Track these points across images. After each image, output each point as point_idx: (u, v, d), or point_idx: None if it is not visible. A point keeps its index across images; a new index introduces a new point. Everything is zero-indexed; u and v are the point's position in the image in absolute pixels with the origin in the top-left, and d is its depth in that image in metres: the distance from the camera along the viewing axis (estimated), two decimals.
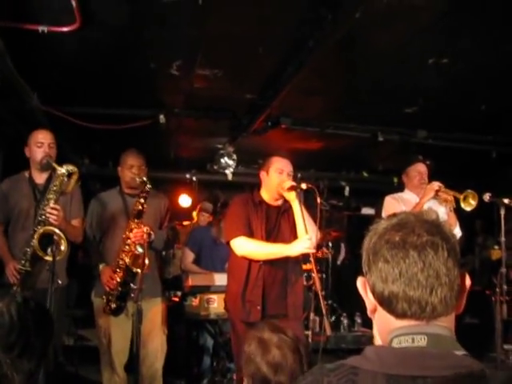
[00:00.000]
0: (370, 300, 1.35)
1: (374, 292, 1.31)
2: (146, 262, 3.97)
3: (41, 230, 3.88)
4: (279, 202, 4.17)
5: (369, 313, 1.38)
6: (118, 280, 4.05)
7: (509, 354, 5.62)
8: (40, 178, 4.19)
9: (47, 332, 1.98)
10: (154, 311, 4.36)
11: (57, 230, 3.81)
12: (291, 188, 3.95)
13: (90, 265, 4.48)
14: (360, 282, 1.38)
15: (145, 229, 3.93)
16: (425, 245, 1.25)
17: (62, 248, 3.83)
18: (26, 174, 4.25)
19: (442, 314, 1.25)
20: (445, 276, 1.24)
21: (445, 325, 1.26)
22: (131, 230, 4.02)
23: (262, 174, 4.19)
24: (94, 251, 4.46)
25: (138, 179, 4.18)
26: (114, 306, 4.07)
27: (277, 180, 4.06)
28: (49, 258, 3.73)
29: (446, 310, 1.25)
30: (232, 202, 4.32)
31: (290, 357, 2.12)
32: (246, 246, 3.97)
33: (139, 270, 3.87)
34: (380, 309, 1.32)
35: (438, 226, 1.30)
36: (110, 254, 4.22)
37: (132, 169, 4.36)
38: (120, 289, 4.06)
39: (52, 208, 3.83)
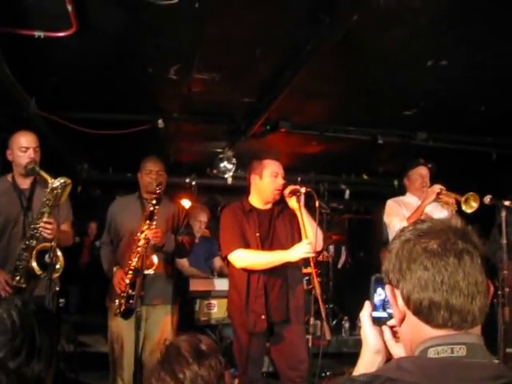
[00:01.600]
0: (399, 309, 1.33)
1: (408, 300, 1.28)
2: (155, 261, 3.96)
3: (37, 246, 3.80)
4: (270, 206, 4.14)
5: (396, 322, 1.36)
6: (127, 282, 4.01)
7: None
8: (24, 183, 4.07)
9: (52, 331, 1.95)
10: (166, 319, 4.35)
11: (55, 247, 3.72)
12: (292, 192, 3.93)
13: (104, 270, 4.46)
14: (388, 291, 1.35)
15: (145, 233, 3.91)
16: (462, 252, 1.24)
17: (58, 266, 3.77)
18: (9, 178, 4.11)
19: (479, 322, 1.24)
20: (481, 284, 1.24)
21: (478, 333, 1.25)
22: (142, 232, 3.99)
23: (254, 178, 4.13)
24: (108, 256, 4.45)
25: (154, 184, 4.18)
26: (123, 308, 4.02)
27: (272, 184, 4.03)
28: (45, 277, 3.68)
29: (482, 318, 1.24)
30: (223, 214, 4.26)
31: None
32: (244, 259, 3.93)
33: (150, 271, 3.86)
34: (411, 318, 1.30)
35: (468, 234, 1.29)
36: (126, 258, 4.17)
37: (150, 174, 4.37)
38: (130, 291, 4.00)
39: (46, 222, 3.77)
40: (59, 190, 3.79)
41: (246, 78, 4.67)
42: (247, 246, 3.97)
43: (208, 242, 6.50)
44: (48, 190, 3.80)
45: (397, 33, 3.74)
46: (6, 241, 4.01)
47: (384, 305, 1.65)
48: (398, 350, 1.60)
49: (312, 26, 3.49)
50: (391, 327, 1.62)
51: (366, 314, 1.64)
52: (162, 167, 4.47)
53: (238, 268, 3.98)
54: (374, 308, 1.65)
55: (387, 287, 1.36)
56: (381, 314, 1.64)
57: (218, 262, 6.28)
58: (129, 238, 4.26)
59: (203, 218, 6.40)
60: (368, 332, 1.61)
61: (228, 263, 4.17)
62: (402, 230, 1.36)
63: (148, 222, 3.98)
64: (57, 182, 3.77)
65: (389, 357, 1.61)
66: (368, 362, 1.59)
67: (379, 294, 1.66)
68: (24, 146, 3.96)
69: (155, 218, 4.00)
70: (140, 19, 3.61)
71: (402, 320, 1.33)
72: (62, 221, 4.13)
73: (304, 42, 3.68)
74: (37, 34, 3.62)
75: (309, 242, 3.73)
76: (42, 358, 1.84)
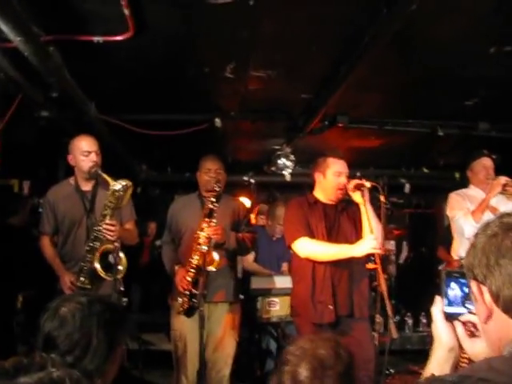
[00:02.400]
0: (486, 306, 1.29)
1: (497, 297, 1.25)
2: (216, 258, 3.98)
3: (101, 248, 3.89)
4: (334, 203, 4.11)
5: (482, 319, 1.32)
6: (189, 280, 4.04)
7: None
8: (86, 185, 4.17)
9: (114, 334, 2.00)
10: (228, 317, 4.38)
11: (118, 248, 3.79)
12: (356, 187, 3.89)
13: (166, 269, 4.52)
14: (475, 287, 1.32)
15: (205, 231, 3.93)
16: None
17: (120, 268, 3.82)
18: (72, 181, 4.22)
19: None
20: None
21: None
22: (202, 229, 4.02)
23: (318, 176, 4.13)
24: (170, 255, 4.51)
25: (213, 182, 4.22)
26: (186, 306, 4.05)
27: (335, 183, 4.01)
28: (109, 278, 3.75)
29: None
30: (287, 206, 4.30)
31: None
32: (309, 247, 3.91)
33: (212, 268, 3.88)
34: (500, 315, 1.26)
35: None
36: (187, 256, 4.20)
37: (209, 172, 4.41)
38: (192, 289, 4.04)
39: (108, 224, 3.85)
40: (121, 193, 3.86)
41: (302, 74, 4.62)
42: (312, 235, 3.96)
43: None
44: (110, 193, 3.87)
45: (457, 20, 3.62)
46: (71, 242, 4.14)
47: (456, 300, 1.62)
48: (470, 346, 1.56)
49: (369, 17, 3.42)
50: (464, 323, 1.58)
51: (438, 310, 1.60)
52: (221, 165, 4.50)
53: (302, 258, 3.96)
54: (446, 303, 1.61)
55: (473, 283, 1.32)
56: (453, 309, 1.60)
57: (284, 267, 6.26)
58: (189, 236, 4.28)
59: None
60: (441, 328, 1.58)
61: (293, 257, 4.16)
62: (487, 225, 1.32)
63: (207, 219, 4.00)
64: (118, 185, 3.84)
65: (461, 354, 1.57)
66: (442, 359, 1.56)
67: (452, 289, 1.62)
68: (86, 150, 4.06)
69: (215, 215, 4.01)
70: (195, 19, 3.62)
71: (489, 317, 1.29)
72: (126, 220, 4.25)
73: (361, 34, 3.61)
74: (96, 39, 3.68)
75: (375, 238, 3.68)
76: (96, 360, 1.89)
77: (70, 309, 1.95)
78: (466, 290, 1.61)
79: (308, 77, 4.67)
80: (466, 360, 1.61)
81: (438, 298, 1.63)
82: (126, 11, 3.27)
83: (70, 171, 4.37)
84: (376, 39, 3.60)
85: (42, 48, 3.55)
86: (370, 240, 3.69)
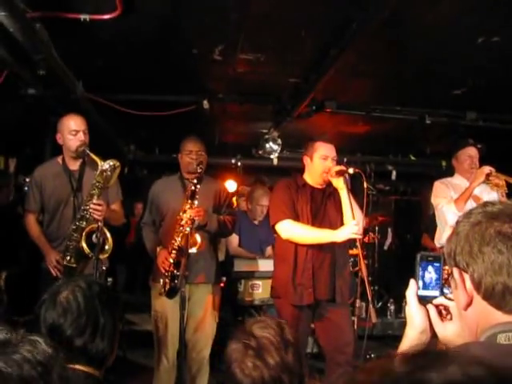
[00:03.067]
0: (466, 293, 1.30)
1: (479, 284, 1.26)
2: (198, 240, 3.98)
3: (87, 228, 3.89)
4: (323, 186, 4.13)
5: (461, 306, 1.34)
6: (171, 261, 4.03)
7: None
8: (74, 164, 4.17)
9: (114, 311, 2.06)
10: (209, 298, 4.38)
11: (104, 228, 3.82)
12: (339, 173, 3.90)
13: (146, 250, 4.52)
14: (456, 274, 1.33)
15: (188, 213, 3.92)
16: None
17: (107, 247, 3.87)
18: (59, 160, 4.21)
19: None
20: None
21: None
22: (184, 211, 4.01)
23: (306, 160, 4.15)
24: (151, 236, 4.50)
25: (195, 163, 4.20)
26: (168, 287, 4.05)
27: (321, 166, 4.02)
28: (95, 257, 3.76)
29: None
30: (275, 187, 4.32)
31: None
32: (291, 230, 3.94)
33: (194, 250, 3.89)
34: (480, 302, 1.28)
35: None
36: (169, 238, 4.19)
37: (190, 154, 4.39)
38: (174, 270, 4.03)
39: (95, 204, 3.85)
40: (109, 173, 3.86)
41: (291, 58, 4.62)
42: (297, 219, 3.98)
43: (270, 227, 6.51)
44: (98, 173, 3.87)
45: (445, 9, 3.62)
46: (57, 222, 4.14)
47: (430, 283, 1.64)
48: (442, 329, 1.59)
49: (357, 2, 3.41)
50: (436, 306, 1.61)
51: (412, 293, 1.62)
52: (202, 147, 4.46)
53: (285, 241, 3.99)
54: (420, 286, 1.64)
55: (455, 270, 1.33)
56: (426, 292, 1.63)
57: (268, 251, 6.27)
58: (171, 217, 4.28)
59: (265, 202, 6.36)
60: (414, 311, 1.60)
61: (276, 239, 4.18)
62: (470, 213, 1.34)
63: (190, 201, 3.98)
64: (106, 165, 3.84)
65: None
66: (413, 342, 1.59)
67: (427, 272, 1.65)
68: (74, 129, 4.05)
69: (197, 197, 4.00)
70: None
71: (469, 304, 1.31)
72: (112, 200, 4.25)
73: (349, 19, 3.60)
74: (82, 17, 3.64)
75: (356, 223, 3.70)
76: (106, 337, 1.97)
77: (70, 294, 1.98)
78: (440, 273, 1.64)
79: (296, 61, 4.66)
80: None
81: (412, 281, 1.65)
82: None
83: (56, 150, 4.35)
84: (364, 25, 3.59)
85: (28, 24, 3.51)
86: (352, 226, 3.72)
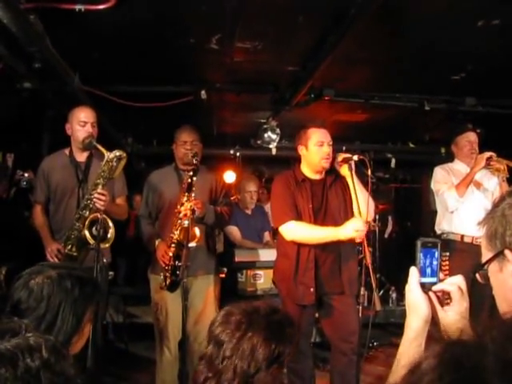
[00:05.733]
0: None
1: None
2: (197, 234, 3.97)
3: (89, 216, 3.90)
4: (322, 176, 4.09)
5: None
6: (171, 255, 4.02)
7: None
8: (81, 156, 4.21)
9: (82, 312, 2.00)
10: (209, 289, 4.37)
11: (106, 217, 3.85)
12: (344, 160, 3.88)
13: (143, 243, 4.52)
14: (510, 255, 1.31)
15: (189, 205, 3.90)
16: None
17: (109, 236, 3.89)
18: (67, 151, 4.25)
19: None
20: None
21: None
22: (182, 204, 3.99)
23: (301, 149, 4.10)
24: (148, 229, 4.47)
25: (190, 154, 4.17)
26: (169, 281, 4.04)
27: (319, 153, 3.98)
28: (97, 246, 3.75)
29: None
30: (274, 184, 4.23)
31: None
32: (296, 232, 3.91)
33: (193, 244, 3.87)
34: None
35: None
36: (166, 230, 4.20)
37: (185, 145, 4.36)
38: (174, 264, 4.02)
39: (100, 193, 3.85)
40: (114, 163, 3.90)
41: (288, 46, 4.57)
42: (299, 217, 3.93)
43: (263, 214, 6.51)
44: (104, 162, 3.90)
45: None
46: (62, 212, 4.18)
47: (430, 270, 1.62)
48: (444, 316, 1.57)
49: None
50: (436, 293, 1.59)
51: (414, 281, 1.60)
52: (197, 137, 4.44)
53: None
54: (421, 274, 1.62)
55: (508, 252, 1.30)
56: (426, 279, 1.61)
57: (266, 237, 6.27)
58: (168, 209, 4.28)
59: (252, 187, 6.35)
60: (419, 298, 1.57)
61: (278, 234, 4.15)
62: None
63: (187, 194, 3.96)
64: (112, 155, 3.89)
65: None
66: (419, 331, 1.56)
67: (427, 259, 1.63)
68: (82, 121, 4.12)
69: (193, 189, 3.98)
70: None
71: None
72: (118, 194, 4.28)
73: (346, 6, 3.57)
74: (77, 7, 3.59)
75: (363, 215, 3.68)
76: (61, 336, 1.89)
77: (39, 282, 1.95)
78: (437, 259, 1.62)
79: (294, 49, 4.61)
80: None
81: (413, 269, 1.62)
82: None
83: (54, 144, 4.37)
84: (361, 11, 3.55)
85: (22, 15, 3.46)
86: (354, 222, 3.69)
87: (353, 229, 3.66)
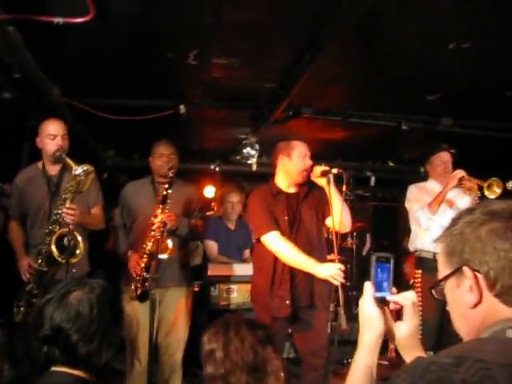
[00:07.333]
0: (478, 291, 1.30)
1: (494, 282, 1.27)
2: (170, 246, 4.00)
3: (58, 231, 3.90)
4: (296, 189, 4.14)
5: (468, 305, 1.33)
6: (142, 265, 4.05)
7: None
8: (53, 169, 4.21)
9: (122, 320, 2.03)
10: (180, 301, 4.38)
11: (75, 233, 3.85)
12: (323, 173, 3.93)
13: (119, 253, 4.53)
14: (469, 272, 1.32)
15: (159, 217, 3.93)
16: None
17: (78, 252, 3.88)
18: (40, 165, 4.26)
19: None
20: None
21: None
22: (156, 216, 4.03)
23: (282, 159, 4.14)
24: (122, 239, 4.50)
25: (166, 167, 4.21)
26: (139, 291, 4.07)
27: (301, 164, 4.05)
28: (63, 261, 3.77)
29: None
30: (250, 199, 4.28)
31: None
32: (278, 245, 3.94)
33: (165, 256, 3.89)
34: (490, 300, 1.29)
35: None
36: (140, 241, 4.22)
37: (162, 157, 4.41)
38: (145, 274, 4.05)
39: (68, 208, 3.85)
40: (82, 177, 3.87)
41: (265, 63, 4.62)
42: (279, 228, 3.98)
43: (247, 231, 6.44)
44: (71, 177, 3.90)
45: (416, 15, 3.66)
46: (38, 226, 4.17)
47: (384, 284, 1.65)
48: (396, 330, 1.60)
49: (329, 7, 3.44)
50: (389, 307, 1.62)
51: (368, 296, 1.62)
52: (174, 151, 4.50)
53: (265, 249, 3.99)
54: (376, 288, 1.64)
55: (466, 269, 1.32)
56: (383, 293, 1.63)
57: (246, 254, 6.27)
58: (141, 221, 4.30)
59: (234, 198, 6.37)
60: (373, 313, 1.59)
61: (255, 247, 4.17)
62: (470, 212, 1.36)
63: (161, 206, 4.00)
64: (79, 169, 3.85)
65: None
66: (373, 346, 1.58)
67: (381, 273, 1.65)
68: (52, 134, 4.11)
69: (168, 201, 4.02)
70: (157, 3, 3.60)
71: (477, 305, 1.31)
72: (92, 205, 4.28)
73: (321, 25, 3.63)
74: (56, 20, 3.62)
75: (340, 268, 3.70)
76: (111, 348, 1.89)
77: (84, 296, 1.90)
78: (389, 274, 1.65)
79: (271, 66, 4.66)
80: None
81: (367, 284, 1.65)
82: None
83: (34, 155, 4.36)
84: (336, 30, 3.62)
85: (0, 26, 3.50)
86: (336, 268, 3.72)
87: (329, 274, 3.71)
